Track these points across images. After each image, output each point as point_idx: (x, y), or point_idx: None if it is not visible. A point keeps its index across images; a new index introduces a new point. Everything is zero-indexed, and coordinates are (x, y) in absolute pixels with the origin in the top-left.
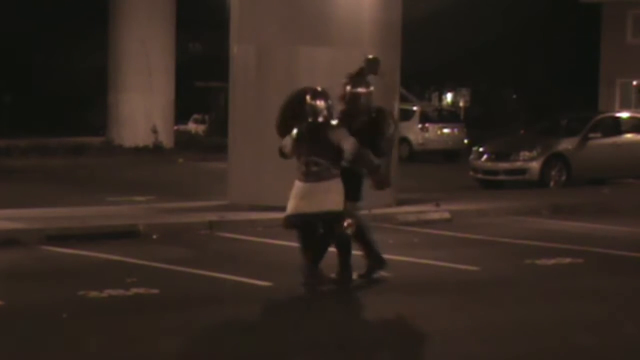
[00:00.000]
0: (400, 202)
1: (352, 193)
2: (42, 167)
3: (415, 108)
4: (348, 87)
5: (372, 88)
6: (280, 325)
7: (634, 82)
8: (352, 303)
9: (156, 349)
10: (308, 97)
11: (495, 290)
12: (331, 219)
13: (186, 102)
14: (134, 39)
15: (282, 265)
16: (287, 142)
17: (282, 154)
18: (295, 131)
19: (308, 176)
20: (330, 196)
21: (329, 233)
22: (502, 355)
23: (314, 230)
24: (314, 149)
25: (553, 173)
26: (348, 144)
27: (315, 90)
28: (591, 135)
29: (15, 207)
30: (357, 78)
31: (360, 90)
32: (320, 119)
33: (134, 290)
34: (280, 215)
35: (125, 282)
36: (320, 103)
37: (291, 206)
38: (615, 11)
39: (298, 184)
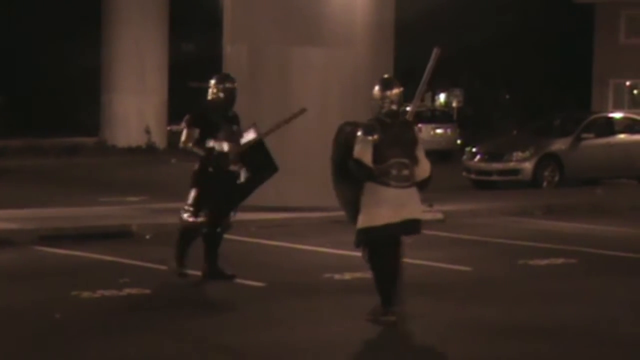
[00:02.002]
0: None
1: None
2: (35, 167)
3: (408, 108)
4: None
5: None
6: (273, 326)
7: (627, 83)
8: (344, 304)
9: (149, 349)
10: (378, 89)
11: (488, 291)
12: (415, 229)
13: (179, 103)
14: (127, 39)
15: (275, 265)
16: (364, 148)
17: (361, 167)
18: (368, 135)
19: (399, 180)
20: (418, 204)
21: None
22: (495, 355)
23: (396, 243)
24: (403, 149)
25: (546, 173)
26: (427, 162)
27: (385, 79)
28: (584, 135)
29: (9, 208)
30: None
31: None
32: (390, 108)
33: (127, 291)
34: (273, 215)
35: (118, 282)
36: (395, 92)
37: (379, 215)
38: (608, 11)
39: (383, 190)
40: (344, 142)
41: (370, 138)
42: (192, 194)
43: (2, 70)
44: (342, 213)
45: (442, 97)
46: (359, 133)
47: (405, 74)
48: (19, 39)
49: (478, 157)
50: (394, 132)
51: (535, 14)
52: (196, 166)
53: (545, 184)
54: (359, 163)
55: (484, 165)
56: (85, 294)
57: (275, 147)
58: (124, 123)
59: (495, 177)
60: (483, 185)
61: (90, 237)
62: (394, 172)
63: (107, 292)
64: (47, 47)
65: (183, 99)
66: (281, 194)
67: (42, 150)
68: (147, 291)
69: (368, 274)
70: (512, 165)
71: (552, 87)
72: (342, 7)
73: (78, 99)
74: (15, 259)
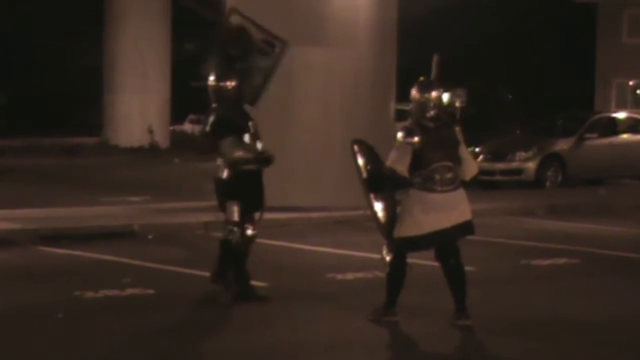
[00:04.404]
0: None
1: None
2: (36, 167)
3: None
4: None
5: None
6: (275, 326)
7: (630, 82)
8: (346, 304)
9: (152, 349)
10: (417, 92)
11: (491, 291)
12: (468, 230)
13: (182, 102)
14: (129, 38)
15: (277, 265)
16: (402, 155)
17: (396, 176)
18: (409, 137)
19: (444, 185)
20: (466, 205)
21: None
22: (496, 355)
23: (452, 249)
24: (446, 152)
25: (549, 173)
26: (472, 160)
27: (422, 81)
28: (587, 135)
29: (10, 208)
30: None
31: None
32: (432, 113)
33: (130, 291)
34: (275, 215)
35: (121, 282)
36: (435, 94)
37: (426, 223)
38: (610, 11)
39: (429, 196)
40: (374, 153)
41: (410, 141)
42: (234, 207)
43: (3, 70)
44: (343, 213)
45: (445, 96)
46: (399, 136)
47: (408, 73)
48: (20, 38)
49: (481, 157)
50: (436, 136)
51: (538, 14)
52: (225, 174)
53: (548, 183)
54: (393, 172)
55: (487, 165)
56: (88, 294)
57: (277, 146)
58: (127, 123)
59: (498, 177)
60: (486, 185)
61: (92, 237)
62: (437, 176)
63: (110, 292)
64: (48, 46)
65: (186, 99)
66: (283, 194)
67: (44, 150)
68: (150, 291)
69: (370, 274)
70: (515, 165)
71: (554, 87)
72: (344, 6)
73: (80, 99)
74: (17, 259)
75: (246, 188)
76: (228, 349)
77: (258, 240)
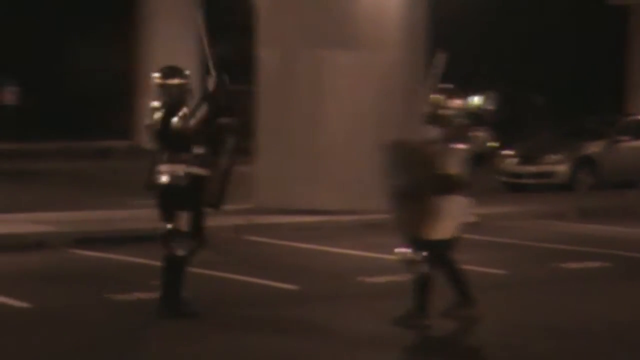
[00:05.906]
0: None
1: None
2: (68, 170)
3: None
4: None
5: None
6: (306, 330)
7: None
8: (377, 307)
9: (182, 351)
10: (445, 100)
11: (523, 294)
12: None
13: None
14: (160, 41)
15: (309, 268)
16: (459, 163)
17: (461, 183)
18: (462, 145)
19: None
20: None
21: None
22: (528, 357)
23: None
24: None
25: (580, 176)
26: None
27: (443, 88)
28: (618, 138)
29: (43, 211)
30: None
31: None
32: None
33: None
34: (305, 218)
35: (151, 285)
36: (456, 103)
37: (451, 227)
38: None
39: (458, 200)
40: (422, 160)
41: (464, 147)
42: (188, 217)
43: (34, 73)
44: (373, 216)
45: (476, 99)
46: (450, 143)
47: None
48: (51, 41)
49: (512, 159)
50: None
51: (569, 16)
52: (184, 180)
53: (579, 186)
54: (459, 179)
55: (518, 168)
56: (119, 297)
57: (307, 150)
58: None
59: (528, 180)
60: (516, 188)
61: (123, 240)
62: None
63: (142, 295)
64: (79, 50)
65: None
66: (312, 197)
67: (76, 154)
68: None
69: (400, 277)
70: (545, 168)
71: (585, 90)
72: (373, 9)
73: (111, 102)
74: (50, 261)
75: (200, 195)
76: (258, 350)
77: (289, 243)
